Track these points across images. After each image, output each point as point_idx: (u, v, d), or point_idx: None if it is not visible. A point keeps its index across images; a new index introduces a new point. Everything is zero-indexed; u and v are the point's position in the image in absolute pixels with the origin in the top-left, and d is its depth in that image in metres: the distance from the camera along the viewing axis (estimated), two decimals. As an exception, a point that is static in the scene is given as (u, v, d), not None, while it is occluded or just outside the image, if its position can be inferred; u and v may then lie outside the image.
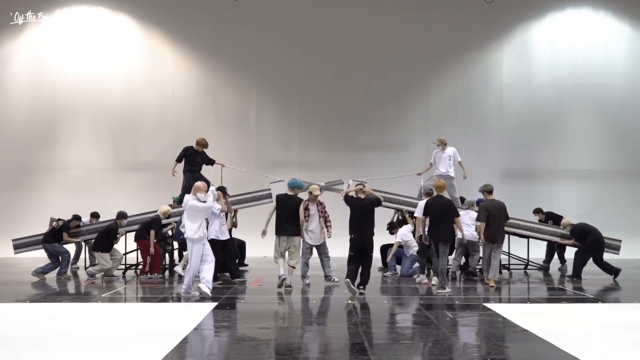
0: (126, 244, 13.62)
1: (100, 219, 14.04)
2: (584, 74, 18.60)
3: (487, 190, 11.63)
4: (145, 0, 18.65)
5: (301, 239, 11.13)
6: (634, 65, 18.75)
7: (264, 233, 11.13)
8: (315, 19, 18.57)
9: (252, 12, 18.54)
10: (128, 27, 18.63)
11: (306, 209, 11.24)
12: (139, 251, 12.89)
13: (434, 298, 9.98)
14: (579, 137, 18.55)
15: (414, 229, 12.46)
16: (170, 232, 13.32)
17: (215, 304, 9.20)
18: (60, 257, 12.61)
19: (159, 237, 12.83)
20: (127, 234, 13.45)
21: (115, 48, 18.59)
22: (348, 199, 10.62)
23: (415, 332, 7.60)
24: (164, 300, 9.98)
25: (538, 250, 14.68)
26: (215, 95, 18.63)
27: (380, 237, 11.55)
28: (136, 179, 18.04)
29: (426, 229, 11.05)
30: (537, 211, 14.69)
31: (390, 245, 12.96)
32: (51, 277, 12.43)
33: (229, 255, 11.79)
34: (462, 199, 13.94)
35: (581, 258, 12.62)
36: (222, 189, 11.73)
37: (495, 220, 11.25)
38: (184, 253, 12.09)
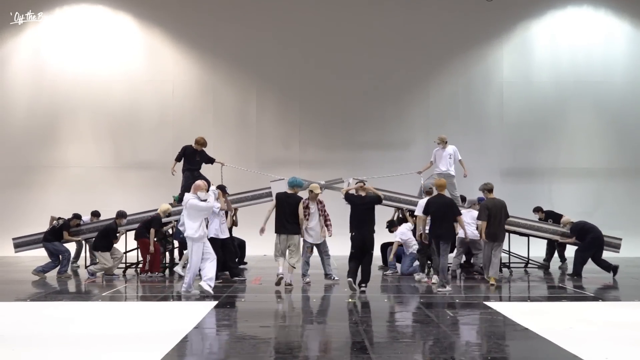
0: (126, 243, 13.62)
1: (101, 218, 14.04)
2: (584, 72, 18.59)
3: (488, 188, 11.63)
4: (145, -2, 18.69)
5: (301, 238, 11.12)
6: (634, 64, 18.73)
7: (262, 230, 11.14)
8: (316, 18, 18.56)
9: (252, 11, 18.53)
10: (128, 25, 18.62)
11: (307, 207, 11.24)
12: (139, 250, 12.89)
13: (434, 296, 9.98)
14: (579, 136, 18.55)
15: (414, 228, 12.46)
16: (170, 231, 13.32)
17: (215, 302, 9.20)
18: (60, 256, 12.62)
19: (159, 235, 12.84)
20: (127, 232, 13.45)
21: (116, 47, 18.58)
22: (349, 197, 10.64)
23: (415, 331, 7.61)
24: (165, 299, 9.98)
25: (538, 249, 14.67)
26: (216, 94, 18.63)
27: (381, 235, 11.55)
28: (136, 178, 18.03)
29: (427, 228, 11.07)
30: (537, 210, 14.68)
31: (391, 244, 12.95)
32: (51, 275, 12.44)
33: (229, 254, 11.79)
34: (463, 198, 13.95)
35: (581, 256, 12.61)
36: (221, 188, 11.73)
37: (496, 218, 11.25)
38: (184, 252, 12.08)
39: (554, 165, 18.45)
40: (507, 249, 13.75)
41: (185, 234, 10.09)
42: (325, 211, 11.46)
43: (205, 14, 18.52)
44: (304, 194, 11.48)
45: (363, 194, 10.60)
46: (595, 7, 18.77)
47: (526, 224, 13.59)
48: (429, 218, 10.90)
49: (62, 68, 18.41)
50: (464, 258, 12.91)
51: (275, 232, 10.96)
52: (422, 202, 11.70)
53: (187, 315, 8.31)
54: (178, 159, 13.32)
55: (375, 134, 18.47)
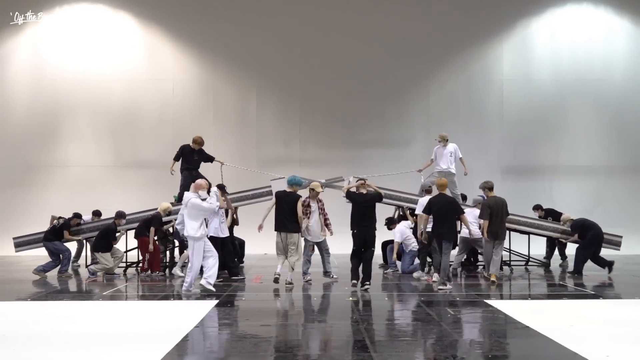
0: (127, 242, 13.62)
1: (102, 217, 14.03)
2: (584, 69, 18.59)
3: (488, 187, 11.64)
4: (145, -3, 18.68)
5: (300, 235, 11.09)
6: (634, 61, 18.72)
7: (260, 227, 11.14)
8: (316, 16, 18.54)
9: (252, 9, 18.53)
10: (128, 24, 18.61)
11: (307, 205, 11.24)
12: (139, 248, 12.88)
13: (435, 295, 9.98)
14: (579, 133, 18.54)
15: (414, 226, 12.45)
16: (171, 230, 13.32)
17: (216, 301, 9.20)
18: (61, 255, 12.62)
19: (159, 234, 12.84)
20: (128, 231, 13.44)
21: (116, 46, 18.57)
22: (350, 195, 10.67)
23: (416, 329, 7.60)
24: (165, 298, 9.98)
25: (539, 247, 14.68)
26: (216, 92, 18.62)
27: (381, 233, 11.55)
28: (136, 177, 18.04)
29: (428, 228, 11.07)
30: (537, 207, 14.67)
31: (391, 242, 12.95)
32: (52, 275, 12.44)
33: (228, 253, 11.79)
34: (464, 196, 13.95)
35: (582, 254, 12.61)
36: (220, 187, 11.75)
37: (497, 217, 11.26)
38: (185, 251, 12.07)
39: (554, 163, 18.45)
40: (508, 247, 13.75)
41: (185, 234, 10.09)
42: (324, 210, 11.47)
43: (205, 12, 18.51)
44: (304, 193, 11.48)
45: (364, 191, 10.63)
46: (595, 5, 18.76)
47: (526, 222, 13.59)
48: (430, 217, 10.89)
49: (62, 67, 18.40)
50: (464, 256, 12.91)
51: (275, 230, 10.97)
52: (423, 200, 11.70)
53: (187, 314, 8.32)
54: (176, 159, 13.36)
55: (376, 132, 18.47)
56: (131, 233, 13.38)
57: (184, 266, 12.01)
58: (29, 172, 18.12)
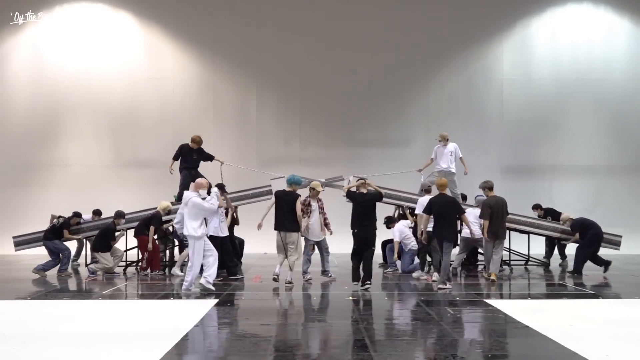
0: (127, 241, 13.61)
1: (102, 216, 14.03)
2: (584, 69, 18.58)
3: (488, 186, 11.64)
4: (145, -4, 18.67)
5: (299, 235, 11.08)
6: (634, 61, 18.72)
7: (259, 226, 11.15)
8: (316, 15, 18.54)
9: (252, 8, 18.53)
10: (128, 23, 18.60)
11: (308, 205, 11.25)
12: (138, 247, 12.88)
13: (435, 294, 9.98)
14: (579, 133, 18.54)
15: (413, 225, 12.44)
16: (171, 229, 13.31)
17: (216, 300, 9.21)
18: (60, 254, 12.62)
19: (159, 233, 12.83)
20: (128, 230, 13.43)
21: (115, 45, 18.56)
22: (350, 194, 10.68)
23: (416, 329, 7.61)
24: (165, 297, 9.97)
25: (538, 246, 14.68)
26: (216, 91, 18.62)
27: (381, 233, 11.54)
28: (136, 176, 18.03)
29: (429, 228, 11.06)
30: (536, 207, 14.67)
31: (390, 241, 12.94)
32: (52, 274, 12.44)
33: (227, 252, 11.78)
34: (464, 196, 13.95)
35: (582, 254, 12.61)
36: (220, 186, 11.75)
37: (498, 216, 11.27)
38: (185, 250, 12.05)
39: (554, 162, 18.45)
40: (508, 247, 13.75)
41: (185, 233, 10.08)
42: (323, 209, 11.47)
43: (205, 11, 18.51)
44: (304, 192, 11.48)
45: (364, 191, 10.64)
46: (595, 4, 18.75)
47: (526, 222, 13.60)
48: (430, 217, 10.89)
49: (62, 66, 18.39)
50: (465, 256, 12.90)
51: (275, 229, 10.97)
52: (423, 200, 11.70)
53: (187, 313, 8.32)
54: (175, 158, 13.38)
55: (376, 132, 18.47)
56: (131, 232, 13.38)
57: (183, 265, 12.00)
58: (29, 171, 18.12)
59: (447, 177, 12.50)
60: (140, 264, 12.71)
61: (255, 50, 18.43)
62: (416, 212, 12.12)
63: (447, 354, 6.28)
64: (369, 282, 10.26)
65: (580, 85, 18.51)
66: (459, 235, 12.10)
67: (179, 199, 12.53)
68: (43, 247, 12.88)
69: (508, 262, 13.86)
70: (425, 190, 12.34)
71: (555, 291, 10.98)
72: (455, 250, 12.06)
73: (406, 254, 12.47)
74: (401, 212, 13.68)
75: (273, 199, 11.38)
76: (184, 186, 12.60)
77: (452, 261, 11.33)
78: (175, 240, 13.46)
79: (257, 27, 18.44)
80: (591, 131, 18.54)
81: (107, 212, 13.78)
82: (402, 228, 12.50)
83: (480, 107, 18.66)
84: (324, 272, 11.66)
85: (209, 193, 10.45)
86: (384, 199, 11.36)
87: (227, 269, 11.82)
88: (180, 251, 13.06)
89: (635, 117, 18.56)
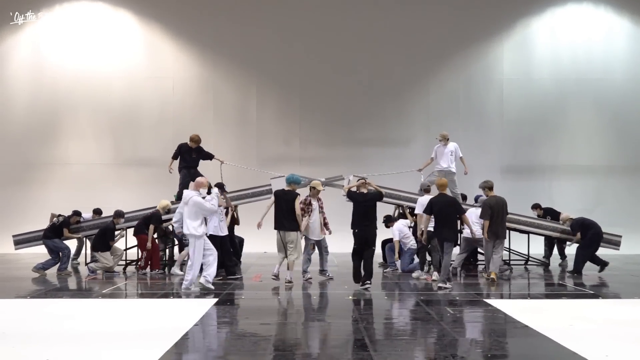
0: (127, 240, 13.61)
1: (102, 215, 14.03)
2: (584, 69, 18.58)
3: (488, 186, 11.64)
4: (145, -5, 18.67)
5: (298, 234, 11.06)
6: (634, 61, 18.73)
7: (259, 225, 11.15)
8: (316, 14, 18.54)
9: (252, 7, 18.52)
10: (128, 22, 18.60)
11: (308, 204, 11.25)
12: (138, 246, 12.87)
13: (435, 294, 9.98)
14: (579, 133, 18.54)
15: (413, 225, 12.44)
16: (170, 228, 13.30)
17: (215, 299, 9.21)
18: (60, 253, 12.61)
19: (159, 232, 12.83)
20: (128, 229, 13.43)
21: (116, 43, 18.56)
22: (351, 194, 10.68)
23: (416, 328, 7.61)
24: (165, 296, 9.98)
25: (538, 246, 14.69)
26: (216, 90, 18.62)
27: (380, 232, 11.54)
28: (136, 175, 18.04)
29: (429, 227, 11.06)
30: (535, 206, 14.67)
31: (390, 241, 12.94)
32: (52, 272, 12.44)
33: (226, 252, 11.78)
34: (464, 196, 13.95)
35: (582, 254, 12.60)
36: (219, 186, 11.75)
37: (498, 216, 11.27)
38: (185, 249, 12.05)
39: (554, 162, 18.46)
40: (507, 247, 13.75)
41: (186, 232, 10.08)
42: (323, 209, 11.47)
43: (206, 10, 18.51)
44: (304, 192, 11.47)
45: (365, 191, 10.65)
46: (595, 4, 18.76)
47: (526, 221, 13.59)
48: (431, 217, 10.88)
49: (62, 65, 18.39)
50: (465, 255, 12.90)
51: (274, 228, 10.97)
52: (422, 200, 11.68)
53: (187, 313, 8.32)
54: (174, 157, 13.40)
55: (376, 131, 18.47)
56: (130, 231, 13.37)
57: (183, 264, 12.00)
58: (29, 170, 18.12)
59: (447, 177, 12.51)
60: (139, 263, 12.70)
61: (255, 50, 18.43)
62: (416, 211, 12.12)
63: (447, 354, 6.29)
64: (369, 282, 10.27)
65: (580, 85, 18.52)
66: (459, 235, 12.09)
67: (178, 198, 12.53)
68: (43, 246, 12.89)
69: (508, 262, 13.85)
70: (425, 190, 12.33)
71: (555, 291, 10.99)
72: (456, 250, 12.07)
73: (405, 253, 12.47)
74: (401, 211, 13.68)
75: (272, 198, 11.38)
76: (184, 185, 12.60)
77: (453, 261, 11.34)
78: (175, 239, 13.46)
79: (258, 27, 18.44)
80: (591, 131, 18.55)
81: (107, 211, 13.78)
82: (401, 227, 12.49)
83: (480, 107, 18.67)
84: (322, 271, 11.66)
85: (209, 192, 10.45)
86: (385, 199, 11.36)
87: (226, 268, 11.80)
88: (180, 250, 13.06)
89: (635, 117, 18.57)
